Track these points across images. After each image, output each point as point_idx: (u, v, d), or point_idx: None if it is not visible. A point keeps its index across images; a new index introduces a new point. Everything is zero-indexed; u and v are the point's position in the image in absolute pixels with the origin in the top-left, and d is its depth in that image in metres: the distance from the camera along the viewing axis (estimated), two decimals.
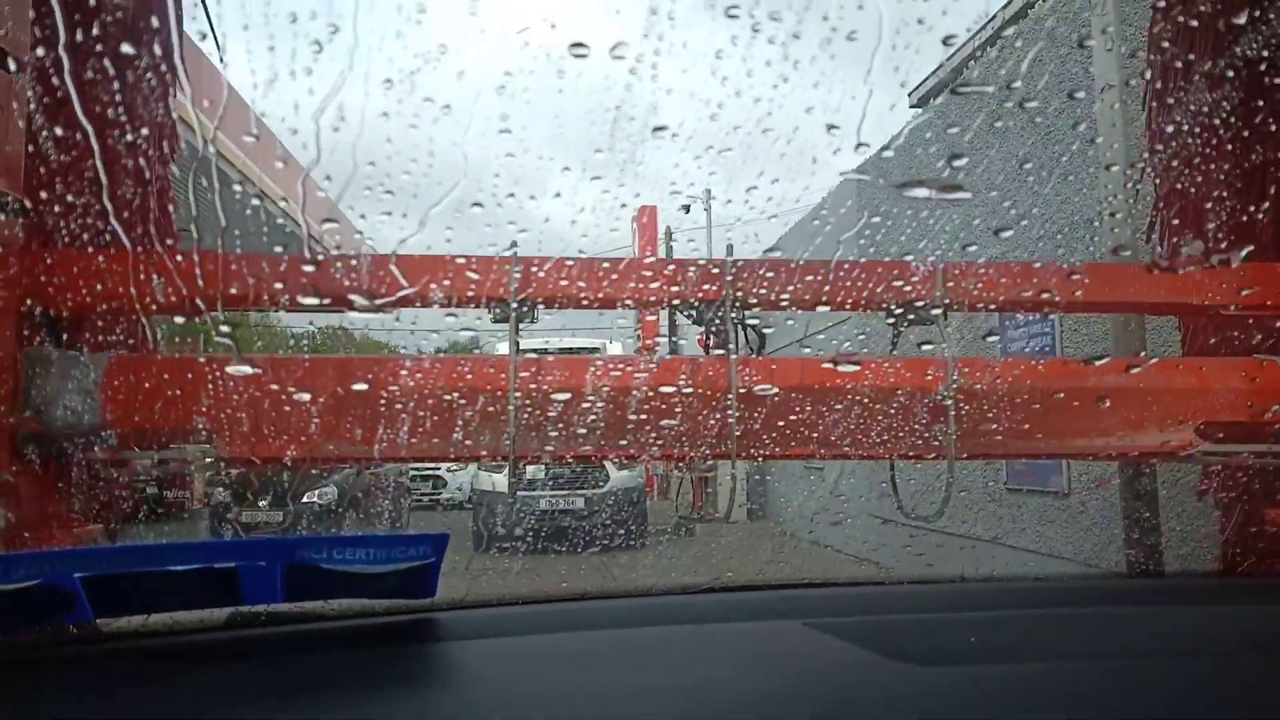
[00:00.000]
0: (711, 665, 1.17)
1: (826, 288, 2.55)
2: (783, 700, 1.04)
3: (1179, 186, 3.04)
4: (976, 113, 7.96)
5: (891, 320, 2.65)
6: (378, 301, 2.39)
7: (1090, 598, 1.65)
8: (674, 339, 18.31)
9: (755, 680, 1.12)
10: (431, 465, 19.58)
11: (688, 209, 19.25)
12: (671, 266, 2.72)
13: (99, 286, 2.21)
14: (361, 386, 2.37)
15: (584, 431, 2.43)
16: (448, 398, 2.36)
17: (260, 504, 12.44)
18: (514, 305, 2.45)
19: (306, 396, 2.31)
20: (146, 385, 2.23)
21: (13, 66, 1.95)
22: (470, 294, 2.46)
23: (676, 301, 2.63)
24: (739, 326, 2.62)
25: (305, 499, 12.52)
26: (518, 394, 2.35)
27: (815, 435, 2.46)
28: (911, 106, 13.07)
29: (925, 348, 2.64)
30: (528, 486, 11.86)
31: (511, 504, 11.67)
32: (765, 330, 2.85)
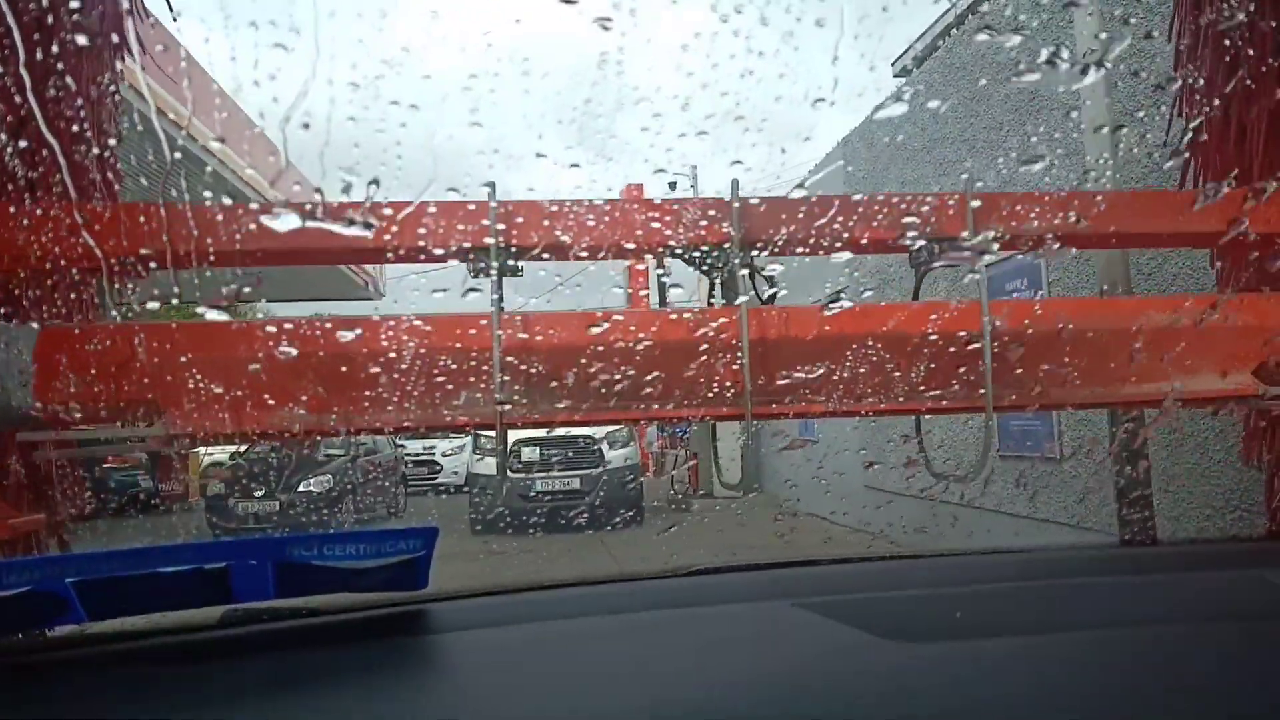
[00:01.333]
0: (702, 649, 1.18)
1: (844, 226, 2.28)
2: (772, 682, 1.05)
3: (1215, 125, 2.85)
4: (958, 80, 7.93)
5: (918, 262, 2.37)
6: (345, 244, 2.09)
7: (1082, 568, 1.65)
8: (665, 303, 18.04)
9: (745, 663, 1.13)
10: (426, 450, 19.63)
11: (674, 185, 19.11)
12: (671, 206, 2.41)
13: (29, 246, 1.95)
14: (347, 335, 2.09)
15: (579, 394, 2.18)
16: (427, 361, 2.11)
17: (256, 494, 12.44)
18: (496, 255, 2.17)
19: (271, 362, 2.02)
20: (85, 357, 1.96)
21: None
22: (446, 243, 2.19)
23: (677, 247, 2.33)
24: (749, 272, 2.34)
25: (301, 488, 12.52)
26: (503, 354, 2.09)
27: (836, 389, 2.22)
28: (895, 76, 13.04)
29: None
30: (523, 468, 11.88)
31: (504, 484, 11.68)
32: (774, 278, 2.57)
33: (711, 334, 2.21)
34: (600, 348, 2.18)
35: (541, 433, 11.99)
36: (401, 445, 17.58)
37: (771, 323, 2.26)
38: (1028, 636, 1.17)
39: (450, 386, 2.13)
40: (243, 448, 19.36)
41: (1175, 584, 1.47)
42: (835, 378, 2.23)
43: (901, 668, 1.07)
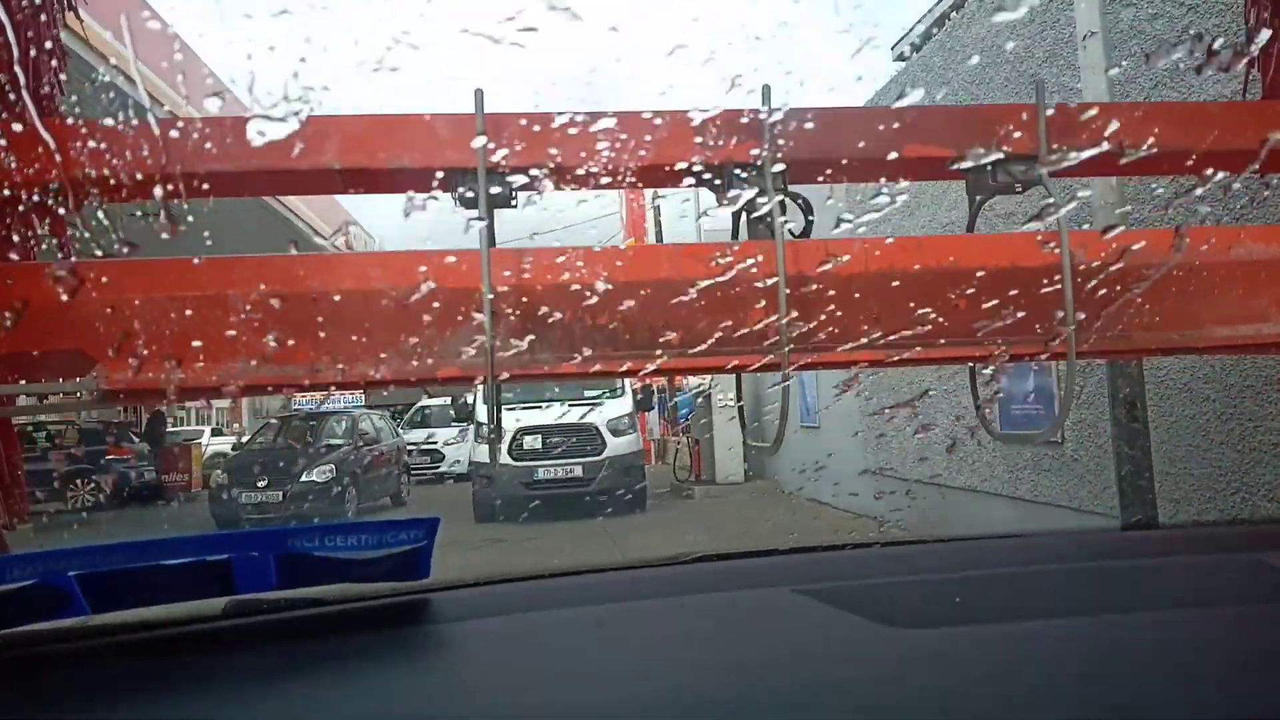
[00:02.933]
0: (703, 636, 1.19)
1: (894, 142, 1.96)
2: (772, 668, 1.05)
3: None
4: (957, 64, 7.90)
5: (979, 185, 2.03)
6: (305, 168, 1.78)
7: (1082, 553, 1.66)
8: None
9: (744, 650, 1.13)
10: (429, 440, 19.67)
11: None
12: (693, 119, 2.03)
13: None
14: (312, 272, 1.79)
15: (587, 342, 1.88)
16: (406, 304, 1.82)
17: (259, 485, 12.47)
18: (483, 178, 1.83)
19: (223, 306, 1.75)
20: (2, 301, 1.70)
21: None
22: (425, 164, 1.86)
23: (699, 167, 1.98)
24: (782, 197, 1.97)
25: (304, 478, 12.55)
26: (496, 296, 1.79)
27: (887, 333, 1.89)
28: (895, 60, 13.00)
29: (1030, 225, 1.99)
30: (525, 457, 11.90)
31: (498, 446, 11.65)
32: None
33: (742, 270, 1.89)
34: (611, 287, 1.87)
35: (543, 421, 12.02)
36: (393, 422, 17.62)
37: (811, 257, 1.93)
38: (1027, 622, 1.17)
39: (434, 333, 1.84)
40: (244, 439, 19.43)
41: (1175, 568, 1.47)
42: (886, 320, 1.91)
43: (901, 653, 1.08)
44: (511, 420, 11.88)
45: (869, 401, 10.17)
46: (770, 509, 11.84)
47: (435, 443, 19.84)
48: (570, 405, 12.34)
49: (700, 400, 14.78)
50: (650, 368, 1.96)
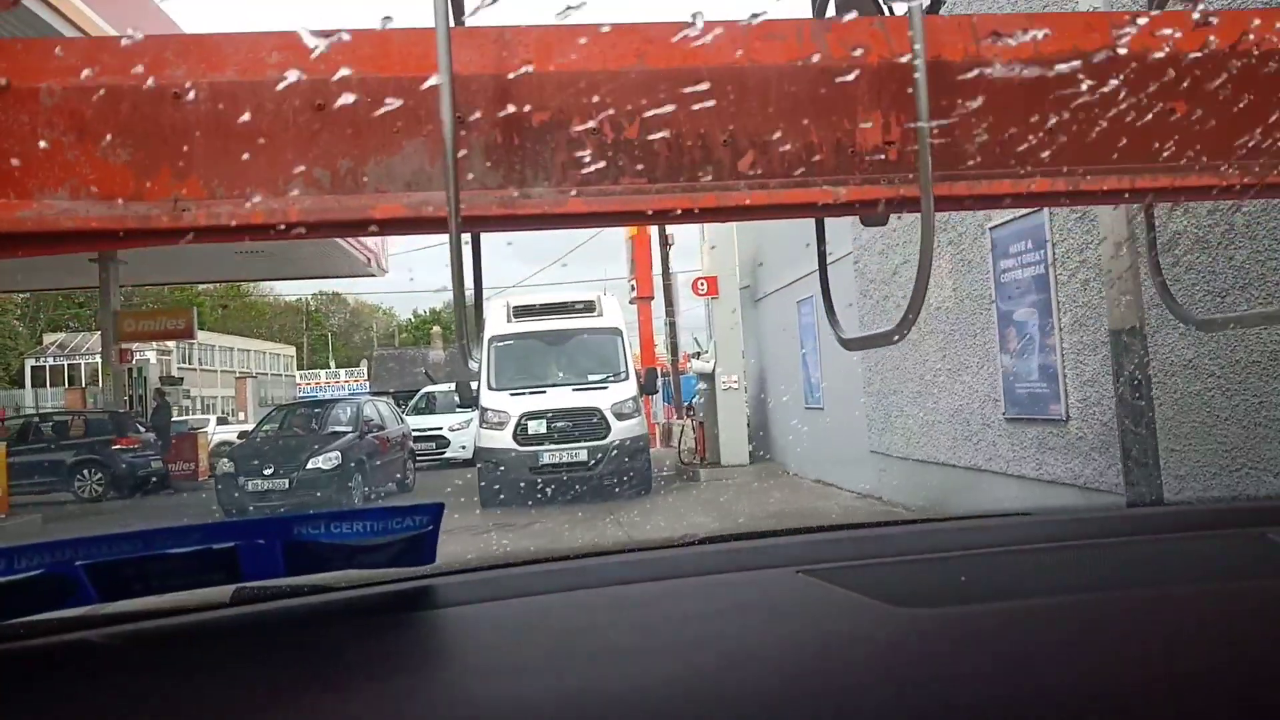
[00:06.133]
0: (708, 619, 1.19)
1: None
2: (777, 650, 1.06)
3: None
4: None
5: None
6: None
7: (1087, 530, 1.66)
8: None
9: (751, 632, 1.14)
10: (433, 426, 19.75)
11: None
12: None
13: None
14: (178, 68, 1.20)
15: (601, 163, 1.28)
16: (322, 105, 1.24)
17: (265, 473, 12.52)
18: None
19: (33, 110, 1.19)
20: None
21: None
22: None
23: None
24: None
25: (310, 465, 12.60)
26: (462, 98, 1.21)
27: (1072, 150, 1.33)
28: None
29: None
30: (529, 441, 11.93)
31: (512, 456, 11.62)
32: None
33: (850, 58, 1.28)
34: (643, 83, 1.28)
35: (547, 406, 12.04)
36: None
37: (955, 36, 1.32)
38: (1033, 600, 1.17)
39: (368, 152, 1.28)
40: (249, 427, 19.49)
41: (1181, 545, 1.47)
42: (1070, 132, 1.34)
43: (907, 633, 1.08)
44: (516, 405, 11.92)
45: (872, 382, 10.18)
46: (776, 490, 11.87)
47: (440, 429, 19.92)
48: (575, 389, 12.36)
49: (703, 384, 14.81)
50: (702, 205, 1.32)
